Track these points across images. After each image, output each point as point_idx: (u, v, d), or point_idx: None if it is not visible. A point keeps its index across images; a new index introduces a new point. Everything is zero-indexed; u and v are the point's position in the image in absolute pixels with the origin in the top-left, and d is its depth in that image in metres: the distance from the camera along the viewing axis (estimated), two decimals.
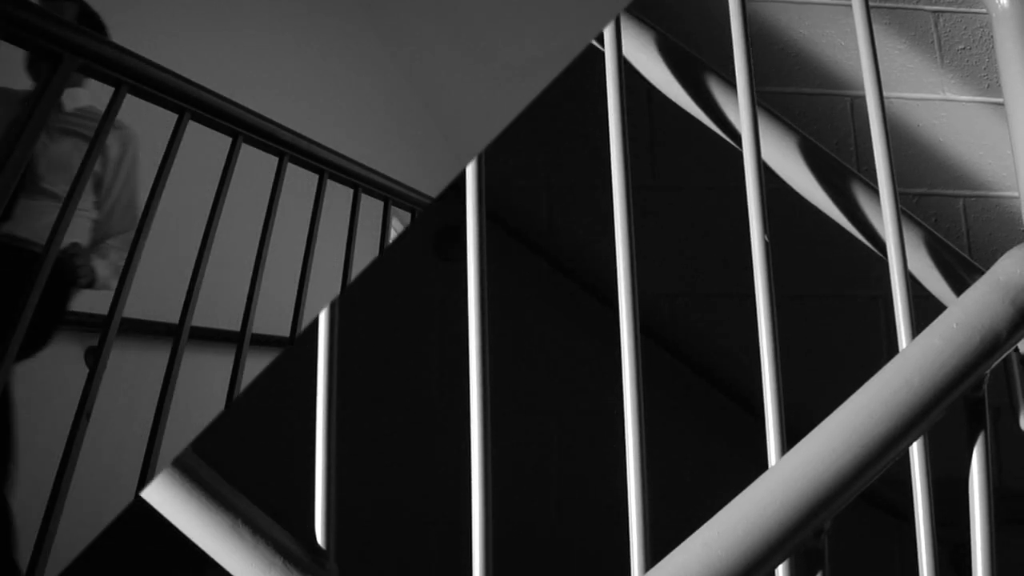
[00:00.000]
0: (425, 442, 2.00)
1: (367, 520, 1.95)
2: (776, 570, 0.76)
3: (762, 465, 0.76)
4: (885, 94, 2.76)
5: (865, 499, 2.23)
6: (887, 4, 2.67)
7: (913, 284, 0.99)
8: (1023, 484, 2.02)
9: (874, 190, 0.90)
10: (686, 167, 2.42)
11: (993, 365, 0.70)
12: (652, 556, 0.72)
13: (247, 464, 1.43)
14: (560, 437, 2.07)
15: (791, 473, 0.66)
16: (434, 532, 1.97)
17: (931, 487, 0.82)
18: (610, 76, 0.86)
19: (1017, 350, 1.12)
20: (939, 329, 0.69)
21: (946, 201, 2.55)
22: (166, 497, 0.76)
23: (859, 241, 1.00)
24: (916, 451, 0.82)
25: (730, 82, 0.94)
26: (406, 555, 2.02)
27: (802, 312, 2.31)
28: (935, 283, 0.98)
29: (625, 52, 0.95)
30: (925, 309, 0.85)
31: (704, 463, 1.99)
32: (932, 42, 2.71)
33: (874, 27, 2.67)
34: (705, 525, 0.68)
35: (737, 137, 0.89)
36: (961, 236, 2.51)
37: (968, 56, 2.66)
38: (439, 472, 1.71)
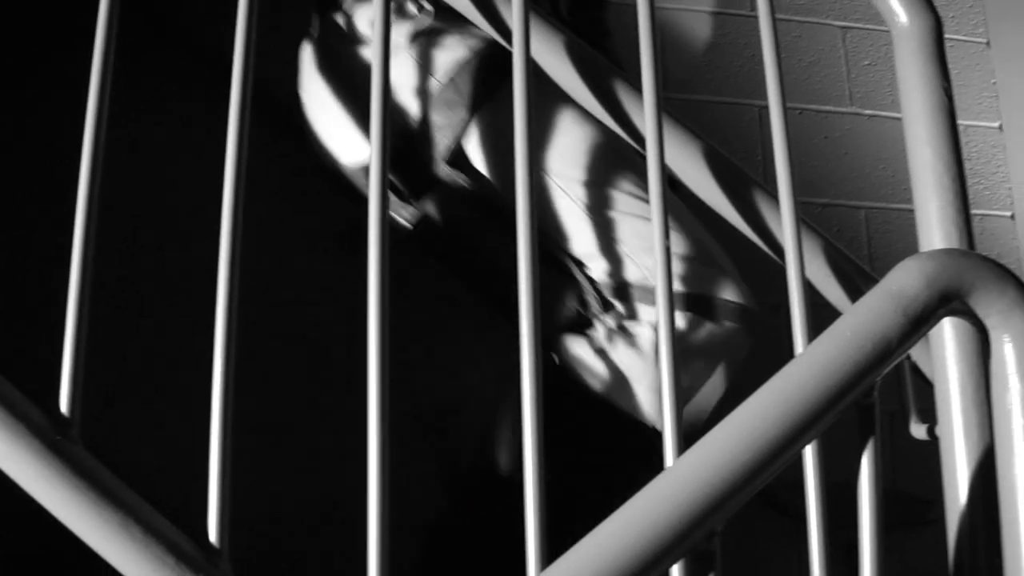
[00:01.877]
0: (330, 439, 1.98)
1: (266, 518, 1.92)
2: (671, 571, 0.77)
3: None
4: (794, 105, 2.81)
5: (762, 499, 2.27)
6: (796, 18, 2.72)
7: (812, 292, 1.01)
8: (918, 488, 2.07)
9: (776, 199, 0.92)
10: None
11: (884, 372, 0.72)
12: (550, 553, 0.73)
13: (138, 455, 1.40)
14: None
15: (685, 476, 0.67)
16: (335, 531, 1.95)
17: (824, 489, 0.84)
18: (517, 77, 0.86)
19: (909, 358, 1.15)
20: (833, 336, 0.70)
21: (849, 212, 2.61)
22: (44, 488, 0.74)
23: (765, 249, 1.01)
24: (810, 454, 0.84)
25: (638, 87, 0.95)
26: (304, 554, 1.99)
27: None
28: (833, 291, 1.01)
29: (534, 53, 0.96)
30: (824, 317, 0.87)
31: None
32: (840, 56, 2.77)
33: (784, 39, 2.72)
34: (599, 526, 0.68)
35: (643, 142, 0.90)
36: (862, 246, 2.57)
37: (873, 72, 2.72)
38: (341, 470, 1.70)
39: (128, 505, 0.76)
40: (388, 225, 0.82)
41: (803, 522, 0.84)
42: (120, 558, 0.75)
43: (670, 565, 0.71)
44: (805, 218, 0.95)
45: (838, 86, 2.69)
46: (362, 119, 1.39)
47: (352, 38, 1.42)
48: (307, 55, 1.49)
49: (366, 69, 0.99)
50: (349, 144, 1.43)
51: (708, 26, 2.60)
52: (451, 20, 1.35)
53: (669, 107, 1.37)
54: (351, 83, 1.41)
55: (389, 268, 0.81)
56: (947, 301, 0.74)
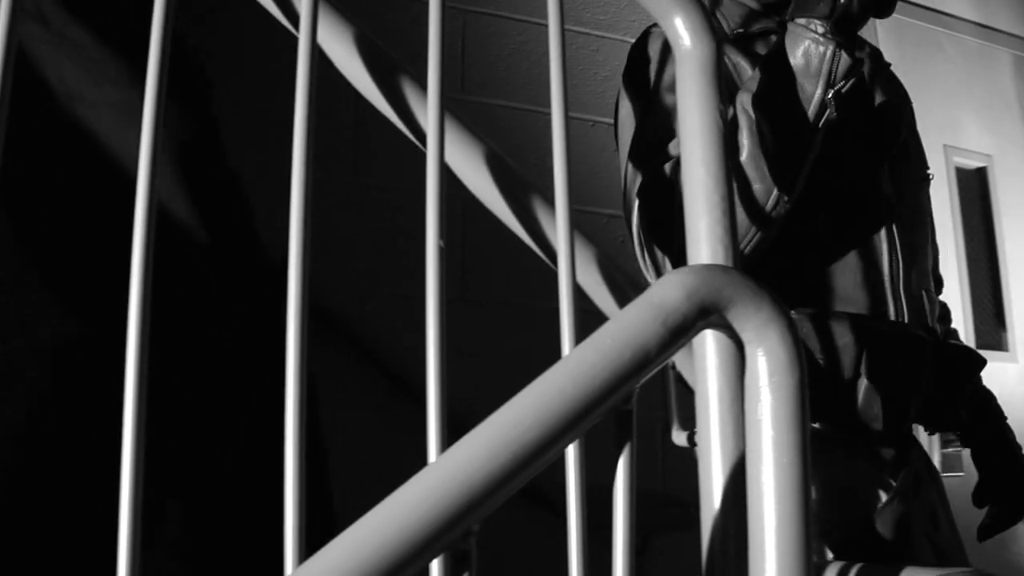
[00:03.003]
0: None
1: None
2: (431, 568, 0.77)
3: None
4: (587, 117, 2.87)
5: (529, 498, 2.32)
6: (596, 32, 2.79)
7: (584, 299, 1.04)
8: (685, 494, 2.15)
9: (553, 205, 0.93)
10: (395, 170, 2.42)
11: (642, 380, 0.74)
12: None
13: None
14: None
15: (443, 475, 0.67)
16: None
17: (584, 490, 0.85)
18: (301, 62, 0.84)
19: (674, 368, 1.19)
20: (595, 343, 0.71)
21: None
22: None
23: (540, 254, 1.03)
24: (572, 456, 0.85)
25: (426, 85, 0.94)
26: None
27: (493, 318, 2.37)
28: (604, 300, 1.03)
29: (321, 41, 0.94)
30: (596, 325, 0.89)
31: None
32: None
33: (583, 52, 2.77)
34: (357, 523, 0.67)
35: (424, 139, 0.90)
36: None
37: None
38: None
39: None
40: None
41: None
42: None
43: (426, 562, 0.71)
44: (581, 227, 0.96)
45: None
46: None
47: None
48: None
49: None
50: None
51: (510, 31, 2.63)
52: None
53: (462, 108, 1.38)
54: None
55: None
56: (706, 314, 0.77)
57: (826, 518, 1.52)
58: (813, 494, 1.55)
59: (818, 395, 1.58)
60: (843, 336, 1.55)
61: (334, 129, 2.23)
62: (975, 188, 3.70)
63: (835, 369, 1.54)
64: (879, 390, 1.53)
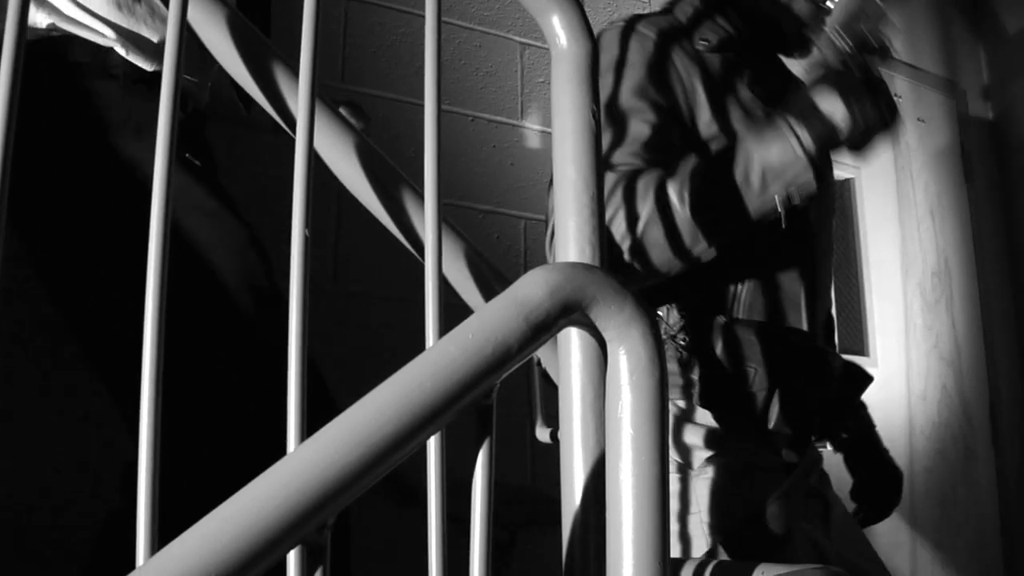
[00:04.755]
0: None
1: None
2: (288, 563, 0.76)
3: None
4: (466, 112, 2.85)
5: (400, 492, 2.31)
6: (480, 28, 2.79)
7: (452, 293, 1.04)
8: (554, 490, 2.17)
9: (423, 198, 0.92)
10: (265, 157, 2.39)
11: (503, 376, 0.74)
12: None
13: None
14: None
15: (298, 467, 0.66)
16: None
17: (445, 484, 0.85)
18: (169, 41, 0.82)
19: (540, 364, 1.20)
20: (456, 337, 0.71)
21: (510, 221, 2.71)
22: None
23: (407, 246, 1.02)
24: (433, 450, 0.85)
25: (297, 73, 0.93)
26: None
27: (366, 310, 2.35)
28: (471, 295, 1.03)
29: (192, 21, 0.92)
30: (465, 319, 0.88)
31: None
32: (516, 71, 2.86)
33: (465, 47, 2.77)
34: (207, 516, 0.66)
35: (295, 125, 0.88)
36: (520, 255, 2.67)
37: (546, 89, 2.84)
38: None
39: None
40: None
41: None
42: None
43: (279, 557, 0.69)
44: (450, 221, 0.96)
45: (511, 99, 2.78)
46: None
47: None
48: None
49: None
50: None
51: (392, 22, 2.61)
52: None
53: (340, 97, 1.36)
54: None
55: None
56: (569, 312, 0.77)
57: (718, 507, 1.56)
58: (711, 482, 1.59)
59: (729, 399, 1.62)
60: (755, 345, 1.58)
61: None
62: (844, 198, 3.82)
63: (744, 376, 1.57)
64: (791, 399, 1.58)
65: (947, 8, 4.15)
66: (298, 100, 0.86)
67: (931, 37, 4.05)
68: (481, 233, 2.55)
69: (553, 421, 1.15)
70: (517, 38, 2.86)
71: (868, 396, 1.95)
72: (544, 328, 0.75)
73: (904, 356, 3.90)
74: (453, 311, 0.90)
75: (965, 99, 4.07)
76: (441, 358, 0.70)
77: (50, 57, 1.54)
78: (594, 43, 1.07)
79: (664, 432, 0.83)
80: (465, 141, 2.62)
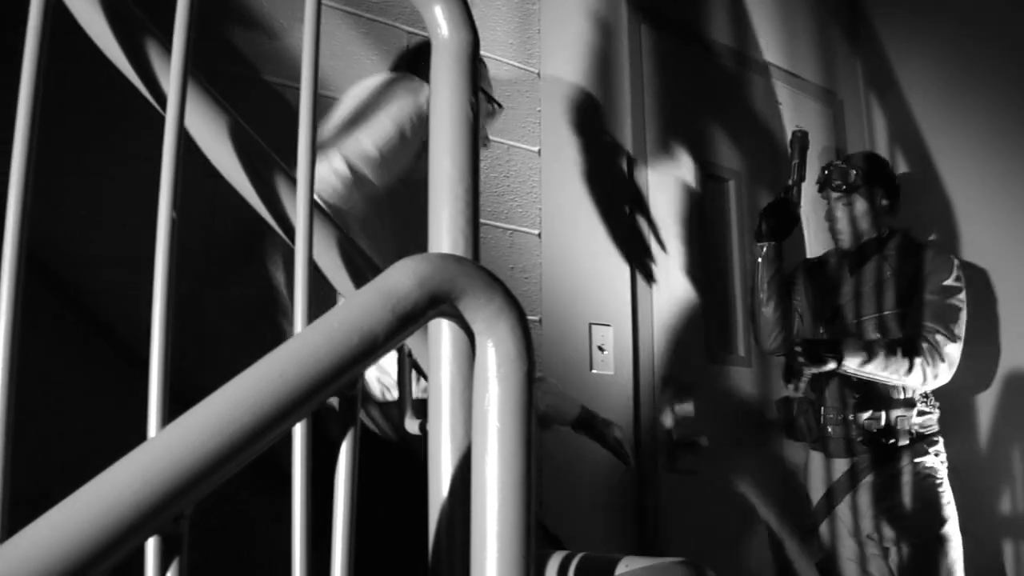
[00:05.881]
0: None
1: None
2: (145, 553, 0.74)
3: None
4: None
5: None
6: (368, 14, 2.76)
7: (325, 283, 1.02)
8: None
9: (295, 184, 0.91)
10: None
11: (368, 366, 0.73)
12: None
13: None
14: None
15: (154, 454, 0.64)
16: None
17: (309, 472, 0.84)
18: (34, 10, 0.79)
19: (411, 355, 1.20)
20: (321, 326, 0.71)
21: None
22: None
23: (279, 231, 1.01)
24: (298, 438, 0.84)
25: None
26: None
27: (239, 297, 2.30)
28: (343, 283, 1.02)
29: None
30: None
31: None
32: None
33: (351, 33, 2.72)
34: (57, 506, 0.63)
35: (164, 103, 0.86)
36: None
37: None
38: None
39: None
40: None
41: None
42: None
43: (132, 548, 0.68)
44: (323, 208, 0.95)
45: None
46: None
47: None
48: None
49: None
50: None
51: (281, 6, 2.56)
52: None
53: (221, 79, 1.33)
54: None
55: None
56: (437, 303, 0.77)
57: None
58: None
59: None
60: None
61: (80, 89, 2.10)
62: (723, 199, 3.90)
63: None
64: None
65: (826, 18, 4.26)
66: (170, 77, 0.84)
67: (810, 46, 4.16)
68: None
69: (421, 412, 1.15)
70: (404, 27, 2.84)
71: (747, 393, 2.02)
72: (411, 319, 0.75)
73: None
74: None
75: (842, 109, 4.18)
76: (305, 347, 0.69)
77: None
78: (475, 34, 1.07)
79: (530, 425, 0.83)
80: None
